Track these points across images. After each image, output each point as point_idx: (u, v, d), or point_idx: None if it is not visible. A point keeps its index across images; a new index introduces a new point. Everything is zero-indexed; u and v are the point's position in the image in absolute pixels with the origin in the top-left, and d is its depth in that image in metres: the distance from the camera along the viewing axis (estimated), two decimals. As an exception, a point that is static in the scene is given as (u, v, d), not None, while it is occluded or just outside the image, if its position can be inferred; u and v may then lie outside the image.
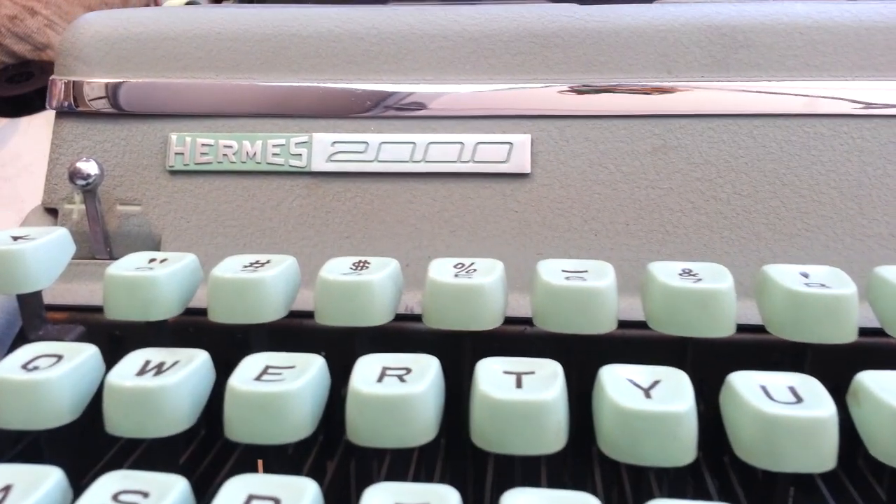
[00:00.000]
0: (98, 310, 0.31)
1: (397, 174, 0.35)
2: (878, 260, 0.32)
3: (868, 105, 0.34)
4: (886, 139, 0.34)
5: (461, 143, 0.35)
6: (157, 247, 0.36)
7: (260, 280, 0.29)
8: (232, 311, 0.29)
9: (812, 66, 0.34)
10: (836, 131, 0.34)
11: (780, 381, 0.25)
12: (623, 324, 0.31)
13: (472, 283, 0.28)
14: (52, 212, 0.38)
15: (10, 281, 0.30)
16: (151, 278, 0.30)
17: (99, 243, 0.36)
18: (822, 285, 0.28)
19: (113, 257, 0.36)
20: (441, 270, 0.29)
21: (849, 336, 0.27)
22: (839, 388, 0.26)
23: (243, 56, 0.37)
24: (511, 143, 0.35)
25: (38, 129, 0.89)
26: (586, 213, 0.34)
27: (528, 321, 0.30)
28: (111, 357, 0.28)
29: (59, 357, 0.28)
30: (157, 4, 1.03)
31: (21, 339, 0.33)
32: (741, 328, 0.30)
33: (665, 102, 0.35)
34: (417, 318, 0.30)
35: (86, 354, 0.28)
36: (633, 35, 0.35)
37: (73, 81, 0.37)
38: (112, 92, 0.37)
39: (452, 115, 0.35)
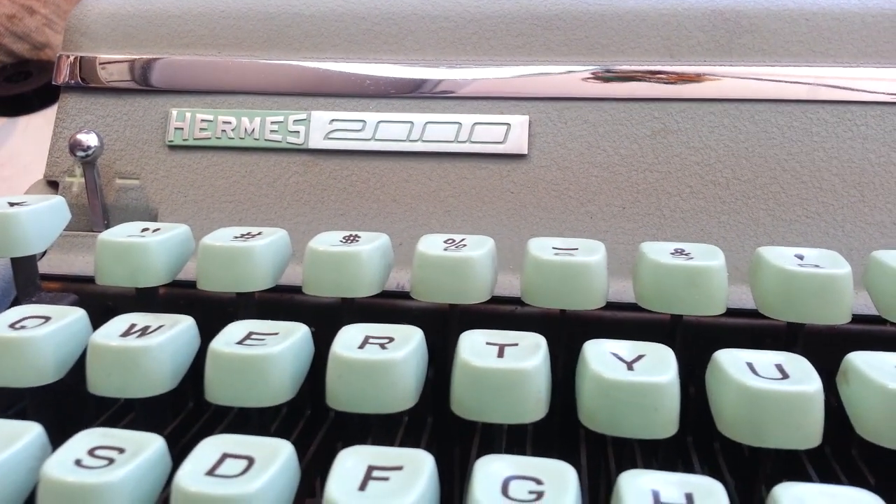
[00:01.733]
0: (93, 280, 0.31)
1: (394, 153, 0.35)
2: (878, 248, 0.32)
3: (872, 92, 0.33)
4: (891, 126, 0.33)
5: (458, 122, 0.35)
6: (153, 220, 0.36)
7: (249, 249, 0.29)
8: (220, 280, 0.29)
9: (816, 52, 0.34)
10: (840, 118, 0.33)
11: (768, 358, 0.25)
12: (615, 305, 0.30)
13: (460, 256, 0.28)
14: (53, 185, 0.38)
15: (4, 244, 0.30)
16: (142, 245, 0.30)
17: (97, 215, 0.36)
18: (816, 266, 0.27)
19: (111, 230, 0.37)
20: (431, 245, 0.29)
21: (842, 317, 0.26)
22: (832, 373, 0.26)
23: (245, 34, 0.37)
24: (509, 124, 0.35)
25: (36, 128, 0.90)
26: (582, 195, 0.34)
27: (519, 301, 0.30)
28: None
29: (47, 318, 0.28)
30: None
31: (16, 305, 0.34)
32: (735, 312, 0.30)
33: (666, 86, 0.34)
34: (408, 295, 0.30)
35: (73, 317, 0.28)
36: (635, 18, 0.35)
37: (80, 57, 0.37)
38: (116, 68, 0.37)
39: (451, 97, 0.35)
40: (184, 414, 0.32)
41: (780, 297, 0.27)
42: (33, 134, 0.86)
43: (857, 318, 0.27)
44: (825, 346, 0.27)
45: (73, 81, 0.37)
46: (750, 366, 0.24)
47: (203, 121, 0.36)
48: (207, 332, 0.28)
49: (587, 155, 0.34)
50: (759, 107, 0.34)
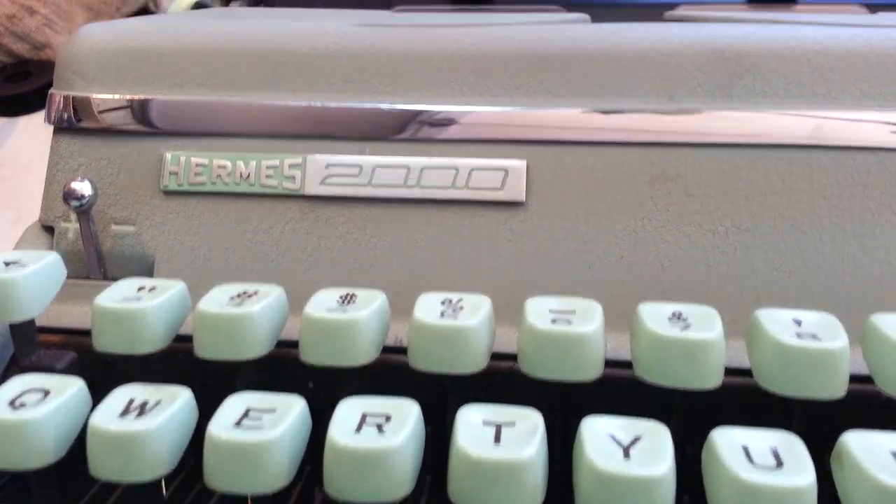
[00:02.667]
0: (91, 332, 0.32)
1: (391, 199, 0.35)
2: (876, 301, 0.32)
3: (875, 136, 0.33)
4: (892, 173, 0.32)
5: (456, 168, 0.34)
6: (150, 268, 0.36)
7: (245, 316, 0.29)
8: (217, 348, 0.29)
9: (819, 95, 0.33)
10: (842, 164, 0.33)
11: (763, 441, 0.25)
12: (612, 363, 0.30)
13: (457, 326, 0.28)
14: (49, 229, 0.38)
15: (1, 309, 0.30)
16: (138, 312, 0.30)
17: (93, 263, 0.36)
18: (814, 336, 0.27)
19: (107, 277, 0.37)
20: (427, 309, 0.29)
21: (837, 391, 0.26)
22: (828, 438, 0.26)
23: (239, 74, 0.36)
24: (506, 170, 0.34)
25: (36, 128, 0.89)
26: (580, 244, 0.34)
27: (515, 357, 0.30)
28: (103, 383, 0.28)
29: (47, 392, 0.28)
30: (155, 4, 1.02)
31: (14, 363, 0.34)
32: (733, 371, 0.30)
33: (665, 130, 0.34)
34: (405, 350, 0.30)
35: (73, 390, 0.28)
36: (634, 59, 0.34)
37: (71, 96, 0.37)
38: (109, 108, 0.37)
39: (448, 139, 0.35)
40: (184, 473, 0.33)
41: (776, 370, 0.27)
42: (33, 134, 0.86)
43: (856, 378, 0.27)
44: (821, 415, 0.27)
45: (65, 122, 0.37)
46: (745, 450, 0.24)
47: (198, 165, 0.36)
48: (205, 394, 0.28)
49: (585, 202, 0.34)
50: (760, 152, 0.33)
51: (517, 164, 0.34)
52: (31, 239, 0.38)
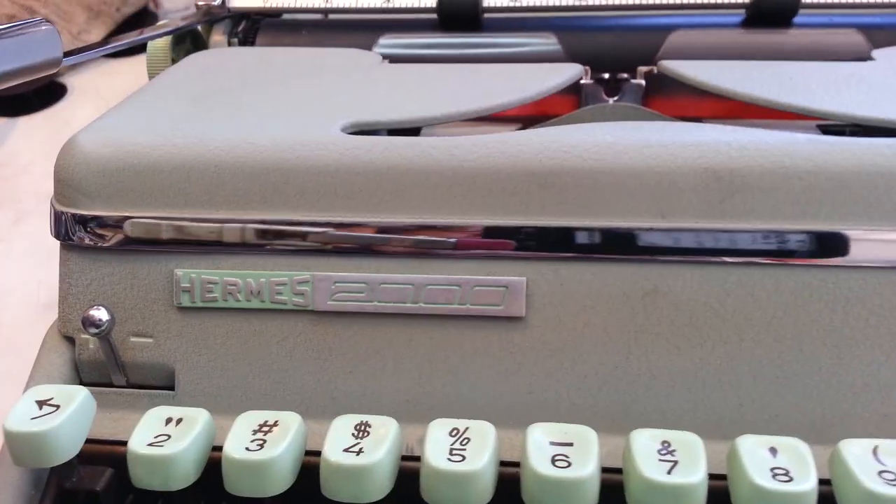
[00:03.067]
0: (122, 443, 0.34)
1: (396, 315, 0.36)
2: (849, 408, 0.34)
3: (864, 256, 0.34)
4: (872, 290, 0.34)
5: (458, 286, 0.36)
6: (171, 375, 0.38)
7: (269, 462, 0.32)
8: (245, 488, 0.32)
9: (808, 214, 0.34)
10: (825, 281, 0.34)
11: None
12: (608, 470, 0.33)
13: (464, 471, 0.31)
14: (69, 338, 0.39)
15: (42, 458, 0.32)
16: (168, 458, 0.32)
17: (116, 373, 0.38)
18: (787, 473, 0.30)
19: (130, 385, 0.39)
20: (436, 448, 0.31)
21: None
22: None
23: (241, 191, 0.37)
24: (506, 287, 0.36)
25: (35, 128, 0.88)
26: (577, 356, 0.36)
27: (518, 464, 0.32)
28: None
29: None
30: (155, 4, 0.98)
31: (53, 480, 0.36)
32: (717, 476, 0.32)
33: (658, 247, 0.35)
34: (417, 458, 0.32)
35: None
36: (628, 177, 0.35)
37: (73, 214, 0.38)
38: (113, 226, 0.37)
39: (450, 255, 0.36)
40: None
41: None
42: (33, 134, 0.86)
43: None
44: None
45: (72, 239, 0.38)
46: None
47: (208, 283, 0.37)
48: None
49: (582, 315, 0.36)
50: (748, 269, 0.35)
51: (517, 281, 0.36)
52: (53, 346, 0.39)
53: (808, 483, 0.29)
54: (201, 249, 0.37)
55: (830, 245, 0.34)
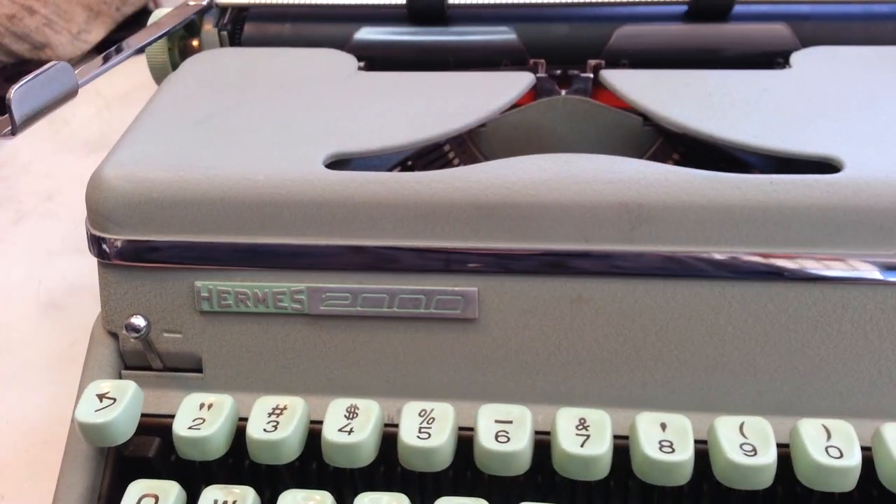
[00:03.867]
0: (164, 416, 0.45)
1: (375, 317, 0.46)
2: (719, 390, 0.44)
3: (745, 268, 0.43)
4: (752, 299, 0.43)
5: (423, 295, 0.45)
6: (199, 362, 0.48)
7: (281, 441, 0.42)
8: (265, 457, 0.42)
9: (702, 239, 0.43)
10: (714, 292, 0.44)
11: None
12: (540, 442, 0.43)
13: (430, 446, 0.41)
14: (112, 333, 0.49)
15: (104, 440, 0.43)
16: (203, 438, 0.42)
17: (154, 361, 0.48)
18: (671, 445, 0.40)
19: (167, 369, 0.48)
20: (407, 428, 0.42)
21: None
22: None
23: (243, 219, 0.45)
24: (462, 296, 0.45)
25: (36, 128, 0.90)
26: (519, 350, 0.45)
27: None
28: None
29: (157, 497, 0.41)
30: (155, 3, 0.99)
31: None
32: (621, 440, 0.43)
33: (582, 264, 0.44)
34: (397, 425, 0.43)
35: (174, 492, 0.41)
36: (558, 209, 0.43)
37: (106, 238, 0.46)
38: (142, 249, 0.46)
39: (417, 271, 0.45)
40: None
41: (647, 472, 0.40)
42: (33, 134, 0.89)
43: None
44: None
45: (108, 259, 0.47)
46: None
47: (223, 292, 0.46)
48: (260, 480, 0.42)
49: (523, 318, 0.45)
50: (653, 283, 0.44)
51: (471, 290, 0.45)
52: (101, 340, 0.49)
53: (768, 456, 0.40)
54: (216, 266, 0.46)
55: (720, 265, 0.43)
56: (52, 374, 0.64)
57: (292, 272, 0.46)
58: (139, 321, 0.46)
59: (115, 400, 0.43)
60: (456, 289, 0.45)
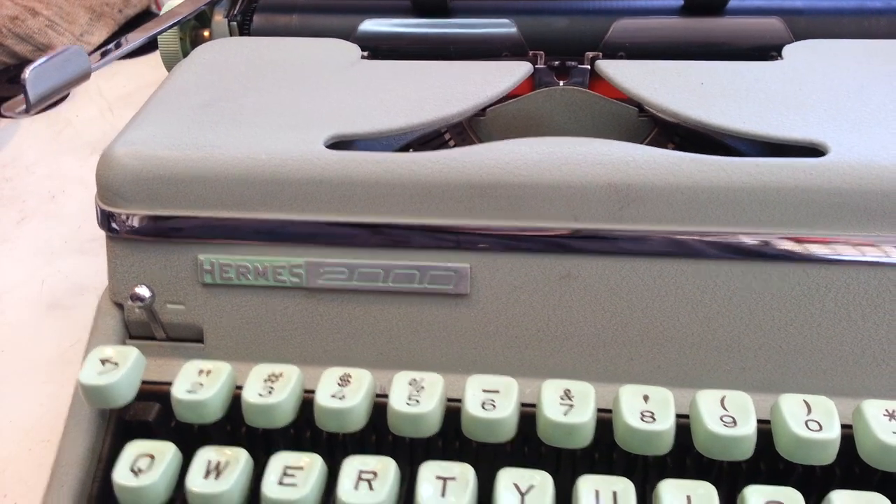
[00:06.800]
0: (166, 383, 0.46)
1: (370, 291, 0.47)
2: (702, 366, 0.45)
3: (730, 248, 0.44)
4: (737, 279, 0.45)
5: (418, 270, 0.47)
6: (200, 332, 0.50)
7: (275, 405, 0.43)
8: (260, 421, 0.44)
9: (688, 219, 0.44)
10: (699, 270, 0.45)
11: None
12: (526, 411, 0.45)
13: (419, 413, 0.42)
14: (118, 304, 0.51)
15: (105, 402, 0.44)
16: (201, 402, 0.44)
17: (157, 331, 0.50)
18: (653, 415, 0.41)
19: (169, 339, 0.50)
20: (399, 396, 0.43)
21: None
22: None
23: (246, 196, 0.47)
24: (455, 272, 0.46)
25: (39, 129, 0.93)
26: (509, 324, 0.47)
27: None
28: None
29: (152, 457, 0.43)
30: (157, 5, 1.02)
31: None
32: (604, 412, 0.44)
33: (571, 243, 0.45)
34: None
35: (170, 455, 0.43)
36: (549, 189, 0.45)
37: (114, 212, 0.48)
38: (149, 223, 0.48)
39: (412, 247, 0.46)
40: None
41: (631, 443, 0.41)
42: (37, 134, 0.90)
43: None
44: None
45: (116, 232, 0.48)
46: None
47: (225, 265, 0.48)
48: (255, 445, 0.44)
49: (513, 294, 0.46)
50: (640, 261, 0.45)
51: (463, 266, 0.46)
52: (107, 310, 0.51)
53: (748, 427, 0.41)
54: (219, 240, 0.48)
55: (706, 245, 0.44)
56: (54, 374, 0.64)
57: (292, 247, 0.47)
58: (144, 291, 0.47)
59: (117, 364, 0.45)
60: (449, 265, 0.46)
